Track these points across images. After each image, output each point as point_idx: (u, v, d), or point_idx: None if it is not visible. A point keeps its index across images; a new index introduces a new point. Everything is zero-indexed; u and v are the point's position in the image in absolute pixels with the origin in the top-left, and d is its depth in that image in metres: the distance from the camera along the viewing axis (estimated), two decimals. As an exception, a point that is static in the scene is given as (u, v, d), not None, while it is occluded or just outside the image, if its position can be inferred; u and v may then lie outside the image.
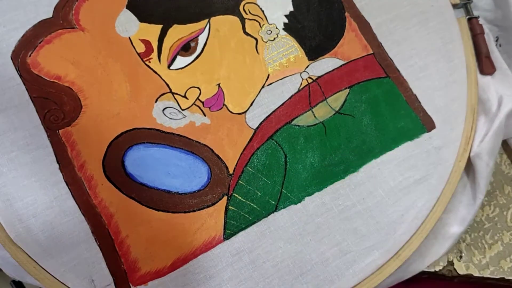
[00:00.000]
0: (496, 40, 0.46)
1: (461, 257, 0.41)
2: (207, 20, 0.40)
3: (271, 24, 0.41)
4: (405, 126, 0.40)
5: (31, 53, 0.37)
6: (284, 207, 0.37)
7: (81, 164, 0.36)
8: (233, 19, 0.41)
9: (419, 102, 0.41)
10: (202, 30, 0.40)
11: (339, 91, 0.41)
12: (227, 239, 0.36)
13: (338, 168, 0.39)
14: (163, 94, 0.38)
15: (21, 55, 0.37)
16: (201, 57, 0.40)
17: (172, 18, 0.40)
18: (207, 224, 0.36)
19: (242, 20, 0.41)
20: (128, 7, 0.39)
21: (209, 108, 0.39)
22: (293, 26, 0.42)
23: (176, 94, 0.39)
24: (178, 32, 0.39)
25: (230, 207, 0.37)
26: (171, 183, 0.37)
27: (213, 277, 0.36)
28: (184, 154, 0.37)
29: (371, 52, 0.42)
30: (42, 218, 0.35)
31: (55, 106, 0.37)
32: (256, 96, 0.40)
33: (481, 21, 0.45)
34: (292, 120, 0.39)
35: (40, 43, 0.38)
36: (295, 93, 0.40)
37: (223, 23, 0.41)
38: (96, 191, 0.36)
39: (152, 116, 0.38)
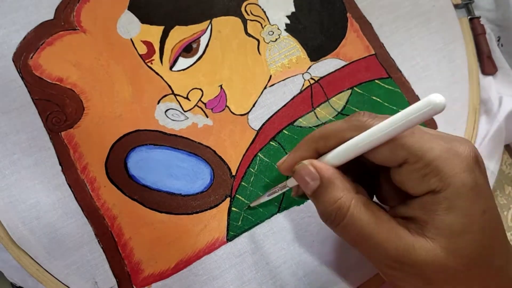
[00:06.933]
0: (498, 40, 0.46)
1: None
2: (208, 21, 0.40)
3: (273, 25, 0.41)
4: (407, 127, 0.40)
5: (33, 55, 0.37)
6: (287, 209, 0.37)
7: (84, 166, 0.36)
8: (234, 20, 0.41)
9: (421, 103, 0.41)
10: (204, 31, 0.40)
11: (341, 92, 0.41)
12: (230, 240, 0.36)
13: (340, 169, 0.39)
14: (165, 95, 0.38)
15: (22, 57, 0.37)
16: (203, 59, 0.39)
17: (174, 19, 0.40)
18: (210, 226, 0.36)
19: (244, 21, 0.41)
20: (129, 9, 0.39)
21: (212, 109, 0.39)
22: (295, 27, 0.42)
23: (178, 95, 0.38)
24: (180, 34, 0.39)
25: (233, 208, 0.37)
26: (174, 184, 0.37)
27: (216, 279, 0.36)
28: (186, 155, 0.37)
29: (373, 52, 0.42)
30: (45, 220, 0.35)
31: (57, 108, 0.37)
32: (258, 97, 0.40)
33: (482, 21, 0.45)
34: (295, 121, 0.39)
35: (41, 45, 0.37)
36: (298, 94, 0.40)
37: (225, 24, 0.40)
38: (99, 193, 0.36)
39: (154, 117, 0.38)
